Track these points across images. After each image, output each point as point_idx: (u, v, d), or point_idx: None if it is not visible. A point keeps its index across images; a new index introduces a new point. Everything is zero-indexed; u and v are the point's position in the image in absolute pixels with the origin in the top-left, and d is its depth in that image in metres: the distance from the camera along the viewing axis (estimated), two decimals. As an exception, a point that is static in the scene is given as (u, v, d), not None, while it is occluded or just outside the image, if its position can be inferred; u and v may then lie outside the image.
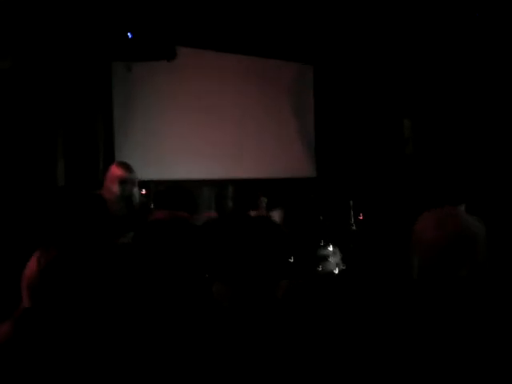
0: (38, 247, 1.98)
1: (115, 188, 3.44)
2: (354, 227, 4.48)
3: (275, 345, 1.55)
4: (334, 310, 3.14)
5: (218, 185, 5.39)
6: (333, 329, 2.44)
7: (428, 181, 3.65)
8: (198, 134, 5.34)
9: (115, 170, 3.50)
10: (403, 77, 5.69)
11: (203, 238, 2.23)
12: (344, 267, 3.91)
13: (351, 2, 5.06)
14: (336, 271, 3.89)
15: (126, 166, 3.53)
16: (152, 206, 4.09)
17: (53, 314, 1.49)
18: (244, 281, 1.61)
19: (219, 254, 1.70)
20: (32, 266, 1.96)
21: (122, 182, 3.44)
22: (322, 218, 4.61)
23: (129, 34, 4.19)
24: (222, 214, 4.96)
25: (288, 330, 1.64)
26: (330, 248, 4.00)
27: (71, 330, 1.46)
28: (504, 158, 4.92)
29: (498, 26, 4.79)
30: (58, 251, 1.68)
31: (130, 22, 4.25)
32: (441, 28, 5.10)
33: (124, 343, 1.53)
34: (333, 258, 3.96)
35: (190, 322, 1.67)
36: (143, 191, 3.90)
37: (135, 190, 3.52)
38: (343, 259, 3.98)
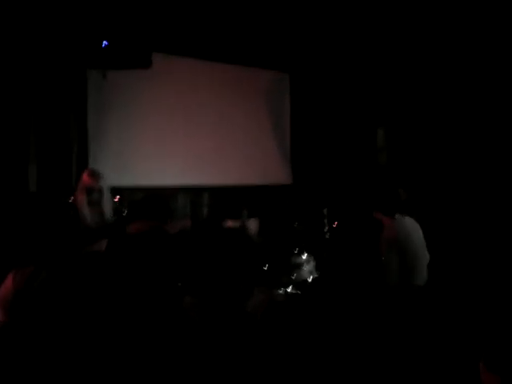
0: (13, 265, 1.96)
1: (82, 196, 3.44)
2: (327, 235, 4.54)
3: (241, 355, 1.56)
4: (304, 318, 3.16)
5: (194, 192, 5.38)
6: (301, 336, 2.46)
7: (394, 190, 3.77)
8: (174, 140, 5.32)
9: (84, 178, 3.50)
10: (378, 86, 5.79)
11: (174, 252, 2.24)
12: (317, 275, 3.95)
13: (326, 13, 5.13)
14: (310, 279, 3.93)
15: (95, 174, 3.52)
16: (125, 213, 4.06)
17: (30, 328, 1.50)
18: (212, 295, 1.62)
19: (188, 269, 1.72)
20: (8, 284, 1.93)
21: (89, 190, 3.44)
22: (296, 225, 4.65)
23: (104, 42, 4.16)
24: (196, 222, 4.96)
25: (255, 340, 1.65)
26: (304, 256, 4.04)
27: (47, 344, 1.46)
28: (477, 166, 5.04)
29: (469, 39, 4.92)
30: (32, 269, 1.69)
31: (105, 30, 4.23)
32: (414, 39, 5.22)
33: (96, 353, 1.53)
34: (307, 266, 3.99)
35: (160, 332, 1.67)
36: (116, 198, 3.87)
37: (103, 198, 3.50)
38: (317, 267, 4.02)
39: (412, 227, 3.56)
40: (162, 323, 1.70)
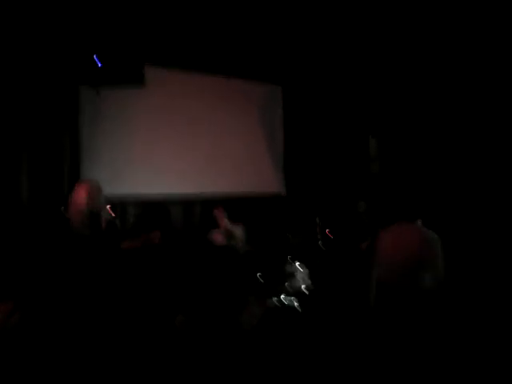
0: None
1: (81, 203, 3.40)
2: (320, 244, 4.54)
3: (236, 369, 1.55)
4: (300, 328, 3.14)
5: (186, 202, 5.38)
6: (297, 347, 2.45)
7: (390, 198, 3.75)
8: (166, 151, 5.33)
9: (81, 186, 3.47)
10: (370, 96, 5.84)
11: (164, 270, 2.24)
12: (310, 283, 3.94)
13: (318, 26, 5.19)
14: (303, 287, 3.92)
15: (93, 182, 3.51)
16: (118, 223, 4.05)
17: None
18: (204, 312, 1.62)
19: (178, 287, 1.72)
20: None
21: (89, 197, 3.41)
22: (289, 234, 4.65)
23: (98, 62, 4.22)
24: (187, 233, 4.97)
25: (249, 357, 1.65)
26: (297, 265, 4.03)
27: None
28: (470, 174, 5.07)
29: (460, 51, 4.98)
30: (14, 305, 1.66)
31: (98, 48, 4.28)
32: (405, 50, 5.28)
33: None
34: (300, 275, 3.99)
35: (153, 351, 1.65)
36: (108, 207, 3.86)
37: (101, 206, 3.49)
38: (310, 275, 4.01)
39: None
40: (154, 342, 1.70)
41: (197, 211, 5.43)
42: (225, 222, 4.62)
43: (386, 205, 3.59)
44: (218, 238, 4.55)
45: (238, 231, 4.64)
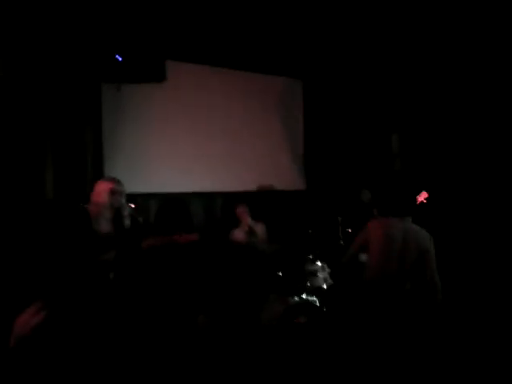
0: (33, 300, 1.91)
1: (104, 199, 3.42)
2: (342, 242, 4.50)
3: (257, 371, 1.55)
4: (320, 327, 3.13)
5: (207, 198, 5.39)
6: (317, 345, 2.44)
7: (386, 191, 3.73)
8: (187, 147, 5.34)
9: (104, 183, 3.50)
10: (393, 92, 5.75)
11: (185, 270, 2.24)
12: (332, 282, 3.92)
13: (340, 18, 5.12)
14: (324, 286, 3.91)
15: (115, 179, 3.53)
16: (141, 220, 4.07)
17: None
18: (225, 312, 1.62)
19: (200, 287, 1.72)
20: (26, 319, 1.85)
21: (112, 192, 3.43)
22: (311, 232, 4.62)
23: (118, 57, 4.23)
24: (207, 234, 4.99)
25: (269, 356, 1.64)
26: (319, 263, 4.02)
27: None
28: (491, 171, 4.98)
29: (482, 41, 4.87)
30: (47, 308, 1.68)
31: (119, 45, 4.30)
32: (428, 44, 5.18)
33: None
34: (321, 274, 3.97)
35: (175, 352, 1.66)
36: (132, 205, 3.88)
37: (124, 202, 3.51)
38: (331, 274, 3.99)
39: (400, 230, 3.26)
40: (176, 343, 1.70)
41: (217, 208, 5.44)
42: (248, 219, 4.63)
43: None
44: (239, 235, 4.56)
45: (260, 229, 4.64)
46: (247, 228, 4.55)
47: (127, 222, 3.56)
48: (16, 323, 1.60)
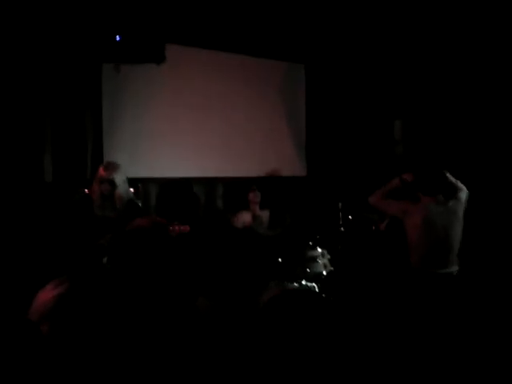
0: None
1: (95, 187, 3.45)
2: (342, 228, 4.49)
3: (258, 353, 1.55)
4: (319, 311, 3.13)
5: (208, 183, 5.37)
6: (320, 335, 2.44)
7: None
8: (187, 132, 5.30)
9: (98, 170, 3.50)
10: (395, 78, 5.69)
11: (183, 252, 2.22)
12: (332, 269, 3.92)
13: (344, 2, 5.04)
14: (324, 273, 3.90)
15: (107, 166, 3.50)
16: (140, 205, 4.05)
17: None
18: (225, 294, 1.60)
19: (199, 268, 1.70)
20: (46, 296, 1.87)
21: (101, 181, 3.43)
22: (311, 218, 4.62)
23: (117, 36, 4.17)
24: (210, 215, 4.97)
25: (267, 339, 1.64)
26: (319, 249, 4.00)
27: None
28: (494, 158, 4.95)
29: (487, 30, 4.80)
30: (69, 283, 1.69)
31: (119, 25, 4.24)
32: (431, 31, 5.11)
33: (106, 357, 1.54)
34: (321, 260, 3.96)
35: (174, 334, 1.66)
36: (132, 190, 3.87)
37: (118, 191, 3.47)
38: (331, 261, 3.98)
39: (440, 211, 3.43)
40: (175, 325, 1.69)
41: (219, 193, 5.42)
42: (257, 209, 4.64)
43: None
44: (246, 217, 4.55)
45: (265, 217, 4.65)
46: (254, 214, 4.58)
47: (126, 206, 3.55)
48: (37, 298, 1.61)
